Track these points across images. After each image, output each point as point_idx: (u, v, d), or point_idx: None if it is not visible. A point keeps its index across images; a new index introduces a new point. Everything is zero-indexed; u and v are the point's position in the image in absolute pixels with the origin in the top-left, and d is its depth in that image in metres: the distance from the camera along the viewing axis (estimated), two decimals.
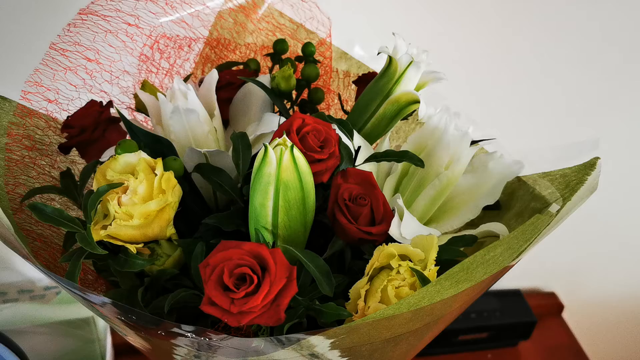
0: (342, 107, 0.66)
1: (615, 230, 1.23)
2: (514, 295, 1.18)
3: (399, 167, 0.59)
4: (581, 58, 0.97)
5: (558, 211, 0.46)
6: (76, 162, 0.59)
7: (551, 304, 1.25)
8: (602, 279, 1.31)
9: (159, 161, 0.46)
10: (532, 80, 0.98)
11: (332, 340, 0.43)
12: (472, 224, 0.58)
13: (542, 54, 0.95)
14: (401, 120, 0.64)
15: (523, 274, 1.24)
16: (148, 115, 0.59)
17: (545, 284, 1.27)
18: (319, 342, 0.43)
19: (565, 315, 1.24)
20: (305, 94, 0.66)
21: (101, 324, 0.88)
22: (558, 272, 1.27)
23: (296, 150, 0.44)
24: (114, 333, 0.98)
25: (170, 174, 0.46)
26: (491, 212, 0.59)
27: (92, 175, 0.52)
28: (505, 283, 1.20)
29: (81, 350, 0.86)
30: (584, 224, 1.19)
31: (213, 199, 0.57)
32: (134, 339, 0.53)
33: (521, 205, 0.58)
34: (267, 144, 0.44)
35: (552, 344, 1.19)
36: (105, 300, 0.42)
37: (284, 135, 0.45)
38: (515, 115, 1.00)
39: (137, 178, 0.45)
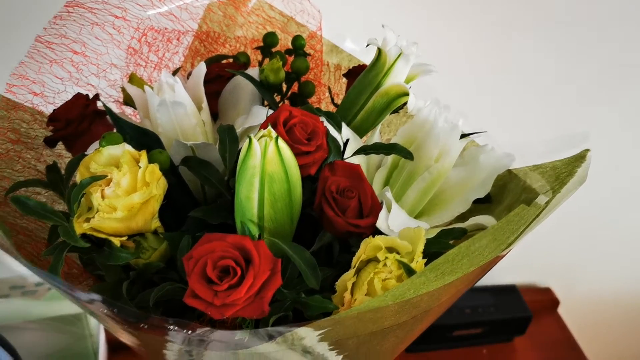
0: (333, 100, 0.66)
1: (610, 226, 1.23)
2: (509, 290, 1.18)
3: (389, 160, 0.59)
4: (573, 51, 0.97)
5: (547, 203, 0.46)
6: (63, 156, 0.59)
7: (546, 300, 1.25)
8: (597, 274, 1.30)
9: (143, 153, 0.46)
10: (523, 73, 0.97)
11: (319, 332, 0.42)
12: (463, 217, 0.58)
13: (534, 48, 0.95)
14: (392, 113, 0.63)
15: (518, 269, 1.24)
16: (136, 109, 0.59)
17: (540, 279, 1.27)
18: (307, 334, 0.43)
19: (561, 310, 1.24)
20: (295, 88, 0.65)
21: (93, 320, 0.87)
22: (553, 268, 1.27)
23: (281, 142, 0.44)
24: (107, 329, 0.98)
25: (154, 167, 0.45)
26: (482, 205, 0.59)
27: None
28: (501, 278, 1.20)
29: (73, 346, 0.86)
30: (580, 219, 1.19)
31: (201, 193, 0.56)
32: (123, 336, 0.53)
33: (512, 198, 0.57)
34: (252, 135, 0.43)
35: (548, 340, 1.19)
36: (89, 295, 0.41)
37: (269, 127, 0.44)
38: (506, 108, 1.00)
39: (120, 170, 0.44)
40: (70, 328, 0.85)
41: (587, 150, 0.51)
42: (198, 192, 0.56)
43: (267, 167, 0.44)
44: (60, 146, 0.57)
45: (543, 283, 1.27)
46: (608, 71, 1.00)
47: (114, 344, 1.00)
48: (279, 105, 0.63)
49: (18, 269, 0.89)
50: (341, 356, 0.52)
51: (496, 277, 1.21)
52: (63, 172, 0.55)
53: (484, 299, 1.15)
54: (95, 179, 0.44)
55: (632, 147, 1.11)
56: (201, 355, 0.51)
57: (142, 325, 0.41)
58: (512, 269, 1.23)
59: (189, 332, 0.40)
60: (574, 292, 1.28)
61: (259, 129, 0.47)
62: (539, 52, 0.95)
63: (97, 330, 0.90)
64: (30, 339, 0.84)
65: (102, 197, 0.44)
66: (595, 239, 1.24)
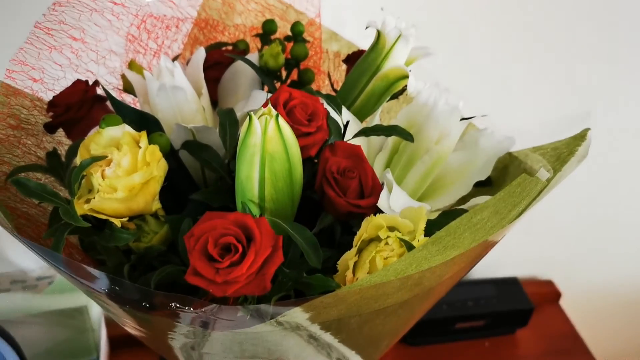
0: (332, 86, 0.66)
1: (612, 218, 1.23)
2: (511, 283, 1.17)
3: (389, 144, 0.59)
4: (577, 36, 0.96)
5: (548, 180, 0.46)
6: (62, 143, 0.59)
7: (548, 292, 1.24)
8: (599, 266, 1.30)
9: (144, 134, 0.46)
10: (526, 58, 0.97)
11: (311, 313, 0.42)
12: (464, 201, 0.58)
13: (537, 32, 0.94)
14: (391, 99, 0.63)
15: (520, 262, 1.24)
16: (136, 96, 0.59)
17: (542, 271, 1.27)
18: (298, 315, 0.42)
19: (563, 303, 1.24)
20: (295, 75, 0.65)
21: (95, 313, 0.87)
22: (555, 260, 1.27)
23: (281, 120, 0.44)
24: (108, 324, 0.97)
25: (155, 147, 0.45)
26: (483, 188, 0.59)
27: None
28: (502, 271, 1.20)
29: (74, 340, 0.86)
30: (581, 211, 1.19)
31: (201, 178, 0.56)
32: (127, 321, 0.53)
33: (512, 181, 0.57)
34: (252, 113, 0.43)
35: (550, 332, 1.18)
36: (93, 272, 0.41)
37: (269, 105, 0.44)
38: (507, 92, 0.99)
39: (121, 151, 0.44)
40: (72, 322, 0.85)
41: (588, 129, 0.51)
42: (198, 177, 0.56)
43: (268, 146, 0.43)
44: (60, 133, 0.57)
45: (545, 275, 1.27)
46: (610, 54, 0.99)
47: (115, 341, 1.00)
48: None
49: (19, 263, 0.89)
50: (344, 343, 0.52)
51: (498, 269, 1.21)
52: (63, 158, 0.55)
53: (485, 291, 1.14)
54: (95, 159, 0.44)
55: (633, 137, 1.11)
56: (205, 341, 0.50)
57: (145, 304, 0.41)
58: (513, 262, 1.23)
59: (192, 309, 0.39)
60: (576, 284, 1.28)
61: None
62: (539, 35, 0.95)
63: (99, 324, 0.90)
64: (32, 333, 0.84)
65: (103, 177, 0.44)
66: (596, 230, 1.24)
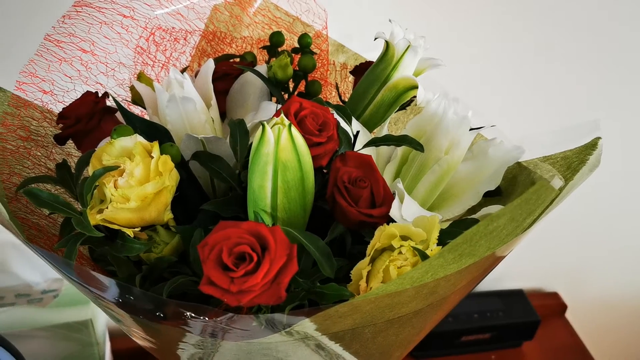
0: (340, 97, 0.66)
1: (617, 230, 1.23)
2: (517, 295, 1.17)
3: (399, 154, 0.59)
4: (581, 49, 0.97)
5: (561, 188, 0.46)
6: (72, 154, 0.59)
7: (554, 304, 1.24)
8: (605, 278, 1.30)
9: (155, 144, 0.46)
10: (533, 70, 0.97)
11: (326, 322, 0.42)
12: (474, 210, 0.58)
13: (542, 43, 0.95)
14: (400, 109, 0.63)
15: (525, 274, 1.23)
16: (144, 108, 0.59)
17: (547, 284, 1.26)
18: (308, 327, 0.42)
19: (569, 315, 1.23)
20: (302, 87, 0.65)
21: (99, 327, 0.87)
22: (561, 272, 1.27)
23: (294, 130, 0.44)
24: (113, 337, 0.97)
25: (167, 157, 0.45)
26: (492, 198, 0.59)
27: (88, 166, 0.51)
28: (508, 283, 1.20)
29: (79, 353, 0.85)
30: (587, 223, 1.19)
31: (211, 188, 0.56)
32: (136, 331, 0.52)
33: (522, 190, 0.57)
34: (265, 122, 0.43)
35: (556, 344, 1.18)
36: (107, 280, 0.41)
37: (282, 115, 0.44)
38: (515, 103, 1.00)
39: (133, 161, 0.44)
40: (77, 335, 0.84)
41: (598, 138, 0.51)
42: (208, 188, 0.56)
43: (281, 155, 0.43)
44: (69, 145, 0.57)
45: (550, 288, 1.26)
46: (615, 68, 1.00)
47: (119, 355, 0.99)
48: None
49: (24, 276, 0.89)
50: (357, 355, 0.51)
51: (503, 282, 1.21)
52: (73, 170, 0.55)
53: (491, 303, 1.14)
54: (108, 169, 0.44)
55: (638, 147, 1.11)
56: (215, 351, 0.50)
57: (159, 313, 0.40)
58: (519, 274, 1.22)
59: (207, 318, 0.39)
60: (582, 296, 1.28)
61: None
62: (545, 47, 0.95)
63: (104, 337, 0.89)
64: (37, 347, 0.83)
65: (115, 187, 0.44)
66: (603, 243, 1.24)
